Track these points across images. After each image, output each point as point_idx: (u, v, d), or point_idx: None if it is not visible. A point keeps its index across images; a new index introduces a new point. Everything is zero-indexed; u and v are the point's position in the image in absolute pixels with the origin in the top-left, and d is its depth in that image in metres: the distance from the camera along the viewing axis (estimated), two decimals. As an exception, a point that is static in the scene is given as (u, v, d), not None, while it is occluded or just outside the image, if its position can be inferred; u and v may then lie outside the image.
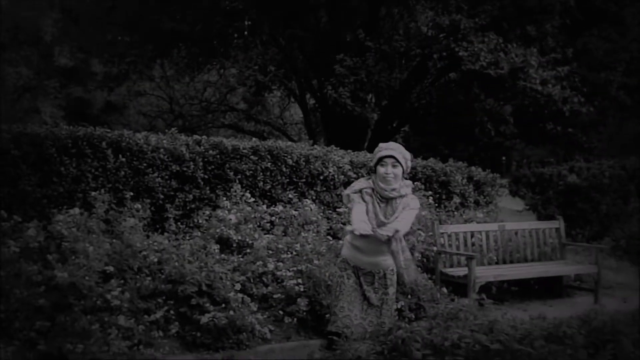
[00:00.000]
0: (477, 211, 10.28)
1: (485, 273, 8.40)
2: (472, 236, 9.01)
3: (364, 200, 4.56)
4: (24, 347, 5.38)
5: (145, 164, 7.86)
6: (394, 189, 4.46)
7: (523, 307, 8.34)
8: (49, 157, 7.32)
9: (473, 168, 11.08)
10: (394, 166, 4.44)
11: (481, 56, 12.08)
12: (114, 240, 6.49)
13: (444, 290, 7.83)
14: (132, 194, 7.39)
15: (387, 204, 4.52)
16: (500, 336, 3.92)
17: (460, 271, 8.33)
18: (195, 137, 8.68)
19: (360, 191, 4.62)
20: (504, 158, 20.65)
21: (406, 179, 4.73)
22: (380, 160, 4.56)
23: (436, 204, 9.76)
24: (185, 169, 8.10)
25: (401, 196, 4.53)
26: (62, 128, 7.83)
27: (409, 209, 4.54)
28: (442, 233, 8.69)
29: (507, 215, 12.92)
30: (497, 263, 9.02)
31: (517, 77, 12.66)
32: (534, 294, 9.11)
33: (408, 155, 4.65)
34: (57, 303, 5.56)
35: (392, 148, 4.57)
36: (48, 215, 6.75)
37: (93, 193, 6.95)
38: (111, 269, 6.07)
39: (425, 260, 8.37)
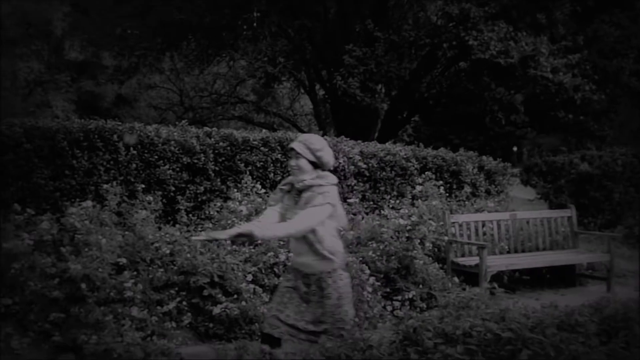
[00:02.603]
0: (488, 200, 10.25)
1: (497, 262, 8.39)
2: (483, 225, 9.00)
3: (282, 195, 4.44)
4: (39, 338, 5.44)
5: (156, 157, 7.89)
6: (301, 181, 4.29)
7: (535, 296, 8.33)
8: (61, 150, 7.36)
9: (484, 157, 11.05)
10: (296, 158, 4.28)
11: (491, 45, 12.04)
12: (127, 233, 6.54)
13: (455, 279, 7.84)
14: (143, 186, 7.43)
15: (300, 196, 4.33)
16: (512, 324, 3.90)
17: (472, 260, 8.32)
18: (206, 129, 8.71)
19: (279, 189, 4.51)
20: (515, 148, 20.57)
21: (341, 172, 4.46)
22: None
23: (447, 194, 9.75)
24: (196, 161, 8.13)
25: (309, 187, 4.31)
26: (74, 121, 7.86)
27: (311, 205, 4.13)
28: (453, 222, 8.68)
29: (519, 204, 12.91)
30: (508, 252, 9.01)
31: (527, 66, 12.61)
32: (545, 283, 9.10)
33: (317, 145, 4.25)
34: (71, 295, 5.61)
35: (298, 140, 4.36)
36: (61, 208, 6.80)
37: (105, 186, 6.99)
38: (124, 260, 6.11)
39: (436, 249, 8.37)
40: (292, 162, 4.26)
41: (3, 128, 7.18)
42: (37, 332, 5.46)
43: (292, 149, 4.26)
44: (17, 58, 20.51)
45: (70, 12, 19.15)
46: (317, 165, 4.25)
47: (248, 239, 4.05)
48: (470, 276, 8.05)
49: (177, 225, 7.26)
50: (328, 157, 4.27)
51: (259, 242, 4.14)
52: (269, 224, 4.17)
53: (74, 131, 7.49)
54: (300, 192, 4.26)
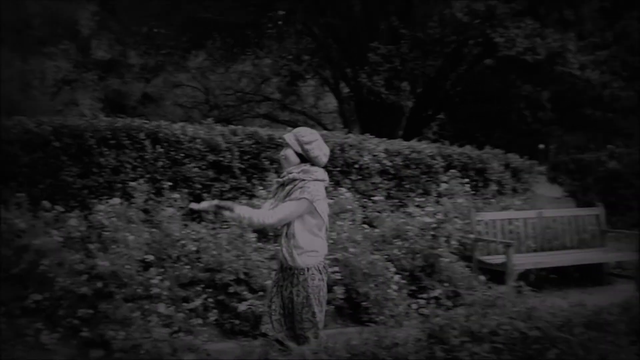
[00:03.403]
0: (515, 198, 10.19)
1: (523, 260, 8.33)
2: (509, 223, 8.93)
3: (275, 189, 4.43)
4: (68, 333, 5.52)
5: (182, 154, 7.95)
6: (287, 173, 4.27)
7: (562, 294, 8.18)
8: (89, 148, 7.44)
9: (510, 155, 10.97)
10: (285, 148, 4.28)
11: (517, 42, 11.94)
12: (153, 230, 6.60)
13: (481, 277, 7.79)
14: (170, 183, 7.49)
15: (284, 188, 4.31)
16: (539, 323, 3.88)
17: (498, 259, 8.27)
18: (231, 127, 8.75)
19: (275, 181, 4.49)
20: (541, 145, 20.38)
21: (329, 167, 4.35)
22: None
23: (473, 192, 9.69)
24: (221, 158, 8.17)
25: (292, 180, 4.23)
26: (101, 120, 7.95)
27: (289, 199, 4.11)
28: (479, 220, 8.63)
29: (545, 202, 12.79)
30: (535, 250, 8.94)
31: (554, 63, 12.48)
32: (573, 281, 9.01)
33: (306, 138, 4.20)
34: (99, 291, 5.68)
35: (291, 131, 4.35)
36: (89, 206, 6.89)
37: (132, 183, 7.06)
38: (151, 257, 6.17)
39: (462, 247, 8.33)
40: (281, 152, 4.27)
41: (32, 126, 7.27)
42: (66, 328, 5.54)
43: (283, 139, 4.27)
44: (45, 57, 20.74)
45: (97, 11, 19.31)
46: (304, 158, 4.21)
47: (227, 212, 4.03)
48: (496, 274, 7.99)
49: (203, 223, 7.30)
50: (317, 152, 4.20)
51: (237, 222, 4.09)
52: (252, 209, 4.17)
53: (102, 129, 7.57)
54: (285, 185, 4.23)
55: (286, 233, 4.16)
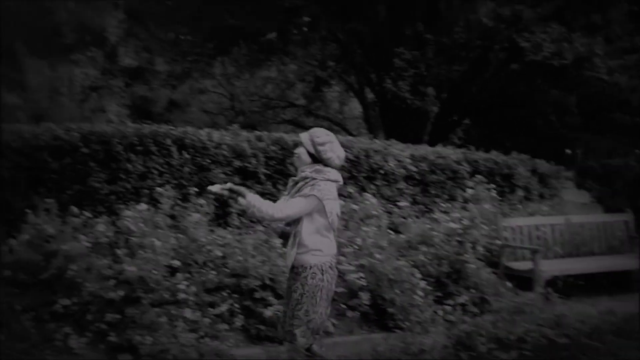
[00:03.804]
0: (542, 204, 10.10)
1: (551, 267, 8.26)
2: (536, 229, 8.86)
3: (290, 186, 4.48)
4: (96, 338, 5.57)
5: (208, 160, 8.00)
6: (300, 172, 4.31)
7: (591, 301, 8.13)
8: (117, 154, 7.51)
9: (537, 160, 10.89)
10: (299, 146, 4.33)
11: (544, 47, 11.83)
12: (180, 235, 6.64)
13: (508, 284, 7.73)
14: (196, 189, 7.53)
15: (296, 186, 4.34)
16: (568, 330, 3.85)
17: (525, 265, 8.20)
18: (257, 133, 8.79)
19: (291, 179, 4.53)
20: (568, 150, 20.18)
21: (339, 167, 4.37)
22: None
23: (499, 197, 9.62)
24: (247, 164, 8.20)
25: (303, 178, 4.28)
26: (129, 126, 8.03)
27: (298, 195, 4.18)
28: (506, 227, 8.58)
29: (573, 208, 12.64)
30: (562, 257, 8.85)
31: (581, 67, 12.35)
32: (601, 288, 8.90)
33: (320, 139, 4.26)
34: (126, 296, 5.73)
35: (303, 133, 4.40)
36: (116, 211, 6.95)
37: (159, 189, 7.12)
38: (177, 263, 6.21)
39: (488, 254, 8.27)
40: (295, 150, 4.32)
41: (61, 133, 7.36)
42: (94, 332, 5.59)
43: (298, 137, 4.32)
44: (73, 64, 21.02)
45: (124, 19, 19.51)
46: (316, 158, 4.26)
47: (240, 198, 4.11)
48: (523, 281, 7.93)
49: (229, 228, 7.34)
50: (330, 153, 4.25)
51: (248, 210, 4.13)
52: (263, 199, 4.20)
53: (129, 135, 7.64)
54: (298, 183, 4.28)
55: (295, 232, 4.21)
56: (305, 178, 4.22)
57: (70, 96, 20.99)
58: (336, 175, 4.28)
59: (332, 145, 4.28)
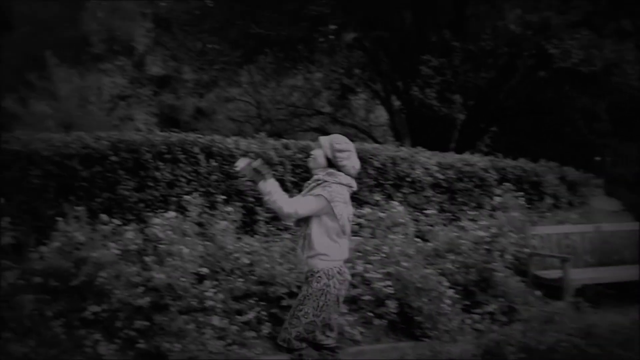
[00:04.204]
0: (571, 212, 9.99)
1: (581, 276, 8.16)
2: (566, 237, 8.76)
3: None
4: (125, 345, 5.62)
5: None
6: (314, 173, 4.34)
7: (622, 311, 8.00)
8: (145, 162, 7.58)
9: (566, 168, 10.78)
10: (317, 148, 4.36)
11: (573, 53, 11.72)
12: (207, 243, 6.68)
13: (537, 293, 7.65)
14: (223, 197, 7.56)
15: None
16: (599, 340, 3.80)
17: (554, 273, 8.12)
18: (283, 141, 8.81)
19: (307, 183, 4.57)
20: (597, 158, 19.95)
21: (354, 175, 4.39)
22: None
23: (527, 205, 9.54)
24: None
25: (315, 181, 4.29)
26: (157, 134, 8.09)
27: (309, 194, 4.22)
28: (535, 235, 8.50)
29: (602, 216, 12.48)
30: (592, 265, 8.74)
31: (611, 73, 12.22)
32: (632, 297, 8.76)
33: (340, 146, 4.31)
34: (155, 303, 5.77)
35: (328, 136, 4.44)
36: (145, 219, 7.00)
37: (187, 197, 7.16)
38: (205, 270, 6.25)
39: (517, 262, 8.20)
40: (312, 152, 4.35)
41: (91, 141, 7.45)
42: (123, 339, 5.64)
43: (318, 140, 4.35)
44: (102, 73, 21.27)
45: (152, 28, 19.73)
46: (331, 163, 4.31)
47: (261, 180, 4.16)
48: (552, 290, 7.84)
49: (256, 236, 7.36)
50: (346, 162, 4.31)
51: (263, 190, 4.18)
52: (281, 191, 4.22)
53: (157, 144, 7.71)
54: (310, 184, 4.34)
55: (304, 234, 4.25)
56: (318, 180, 4.28)
57: (98, 105, 21.21)
58: (349, 179, 4.31)
59: (350, 155, 4.35)
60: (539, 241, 8.55)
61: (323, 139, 4.37)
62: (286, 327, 4.25)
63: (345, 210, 4.26)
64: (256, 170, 4.20)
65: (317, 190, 4.20)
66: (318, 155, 4.34)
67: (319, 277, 4.19)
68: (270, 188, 4.17)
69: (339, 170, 4.30)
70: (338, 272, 4.22)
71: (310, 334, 4.20)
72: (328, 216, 4.18)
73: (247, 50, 15.94)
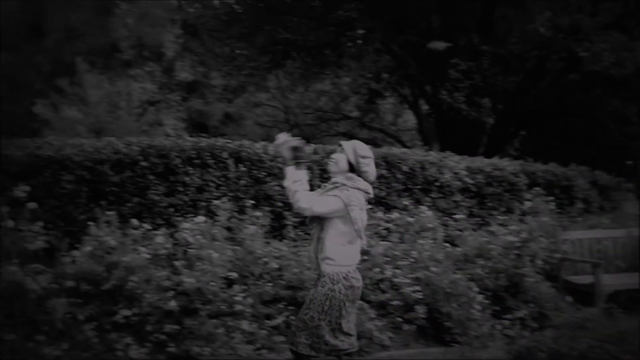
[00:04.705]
0: (602, 217, 9.86)
1: (613, 281, 8.04)
2: (597, 242, 8.65)
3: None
4: (155, 349, 5.67)
5: (264, 173, 8.06)
6: (332, 173, 4.34)
7: (655, 317, 7.92)
8: (175, 167, 7.64)
9: (597, 172, 10.66)
10: (339, 152, 4.36)
11: (603, 56, 11.59)
12: (236, 247, 6.71)
13: (568, 298, 7.57)
14: (252, 202, 7.59)
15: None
16: (632, 347, 3.74)
17: (586, 279, 8.01)
18: (311, 145, 8.82)
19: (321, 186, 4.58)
20: (629, 161, 19.69)
21: (369, 180, 4.38)
22: None
23: (558, 210, 9.44)
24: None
25: (333, 184, 4.28)
26: (186, 140, 8.15)
27: (326, 194, 4.22)
28: (565, 239, 8.41)
29: (635, 220, 12.29)
30: (625, 271, 8.60)
31: (643, 76, 12.07)
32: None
33: (363, 152, 4.34)
34: (185, 307, 5.81)
35: (347, 141, 4.44)
36: (174, 223, 7.05)
37: (216, 201, 7.20)
38: (234, 274, 6.28)
39: (547, 267, 8.11)
40: (333, 155, 4.35)
41: (122, 147, 7.53)
42: (153, 343, 5.69)
43: (340, 145, 4.34)
44: (131, 79, 21.52)
45: (181, 34, 19.91)
46: (352, 168, 4.32)
47: (290, 165, 4.17)
48: (584, 295, 7.74)
49: (285, 241, 7.38)
50: (368, 168, 4.34)
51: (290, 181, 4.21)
52: (305, 185, 4.20)
53: (187, 149, 7.76)
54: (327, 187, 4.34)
55: (317, 237, 4.25)
56: (336, 183, 4.29)
57: (128, 110, 21.45)
58: (367, 185, 4.32)
59: (371, 162, 4.38)
60: (570, 246, 8.45)
61: (346, 144, 4.39)
62: (294, 330, 4.27)
63: (360, 215, 4.25)
64: (294, 150, 4.19)
65: (334, 192, 4.21)
66: (340, 160, 4.35)
67: (324, 281, 4.20)
68: (297, 177, 4.16)
69: (359, 176, 4.32)
70: (344, 278, 4.19)
71: (320, 339, 4.18)
72: (342, 220, 4.18)
73: (275, 55, 16.01)
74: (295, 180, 4.17)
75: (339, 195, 4.17)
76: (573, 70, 13.80)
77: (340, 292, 4.18)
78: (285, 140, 4.24)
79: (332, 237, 4.20)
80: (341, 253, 4.21)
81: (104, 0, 22.96)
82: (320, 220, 4.23)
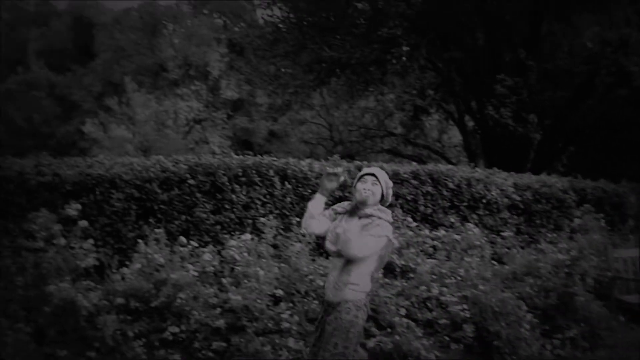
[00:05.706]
0: (655, 234, 9.64)
1: (667, 301, 7.84)
2: (650, 261, 8.44)
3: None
4: (203, 366, 5.69)
5: (309, 190, 8.08)
6: (368, 205, 4.26)
7: None
8: (222, 185, 7.70)
9: (649, 188, 10.43)
10: (373, 184, 4.29)
11: (653, 70, 11.39)
12: (283, 265, 6.73)
13: (621, 318, 7.39)
14: (298, 219, 7.60)
15: (353, 219, 4.27)
16: (690, 369, 3.63)
17: (638, 298, 7.82)
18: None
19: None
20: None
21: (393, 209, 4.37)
22: (360, 178, 4.43)
23: (608, 227, 9.24)
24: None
25: (368, 216, 4.24)
26: (233, 158, 8.21)
27: (368, 233, 4.13)
28: (617, 258, 8.23)
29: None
30: (680, 290, 8.38)
31: (693, 90, 11.81)
32: None
33: (389, 183, 4.41)
34: (232, 324, 5.84)
35: (375, 169, 4.40)
36: (221, 241, 7.11)
37: (262, 219, 7.24)
38: (280, 292, 6.29)
39: (598, 286, 7.94)
40: (368, 186, 4.32)
41: (170, 165, 7.64)
42: (201, 360, 5.73)
43: (374, 175, 4.31)
44: (178, 98, 21.88)
45: (226, 53, 20.22)
46: (382, 198, 4.36)
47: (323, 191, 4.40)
48: (636, 315, 7.56)
49: (330, 258, 7.35)
50: (390, 195, 4.42)
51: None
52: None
53: (233, 167, 7.82)
54: (359, 217, 4.28)
55: (345, 267, 4.22)
56: (371, 216, 4.25)
57: (175, 128, 21.80)
58: (391, 216, 4.36)
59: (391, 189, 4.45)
60: (621, 264, 8.27)
61: (380, 175, 4.37)
62: (311, 357, 4.25)
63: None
64: (333, 182, 4.32)
65: (378, 231, 4.17)
66: (377, 192, 4.34)
67: (348, 308, 4.18)
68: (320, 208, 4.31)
69: (383, 204, 4.37)
70: (364, 305, 4.21)
71: None
72: (379, 252, 4.21)
73: (319, 73, 16.10)
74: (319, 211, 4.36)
75: (386, 235, 4.19)
76: (622, 84, 13.56)
77: (362, 319, 4.21)
78: (336, 172, 4.29)
79: (362, 264, 4.20)
80: (365, 280, 4.22)
81: (151, 21, 23.48)
82: None
